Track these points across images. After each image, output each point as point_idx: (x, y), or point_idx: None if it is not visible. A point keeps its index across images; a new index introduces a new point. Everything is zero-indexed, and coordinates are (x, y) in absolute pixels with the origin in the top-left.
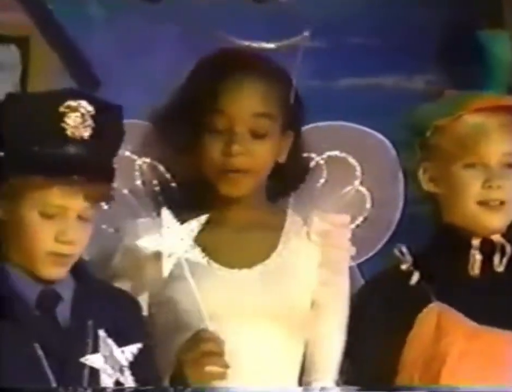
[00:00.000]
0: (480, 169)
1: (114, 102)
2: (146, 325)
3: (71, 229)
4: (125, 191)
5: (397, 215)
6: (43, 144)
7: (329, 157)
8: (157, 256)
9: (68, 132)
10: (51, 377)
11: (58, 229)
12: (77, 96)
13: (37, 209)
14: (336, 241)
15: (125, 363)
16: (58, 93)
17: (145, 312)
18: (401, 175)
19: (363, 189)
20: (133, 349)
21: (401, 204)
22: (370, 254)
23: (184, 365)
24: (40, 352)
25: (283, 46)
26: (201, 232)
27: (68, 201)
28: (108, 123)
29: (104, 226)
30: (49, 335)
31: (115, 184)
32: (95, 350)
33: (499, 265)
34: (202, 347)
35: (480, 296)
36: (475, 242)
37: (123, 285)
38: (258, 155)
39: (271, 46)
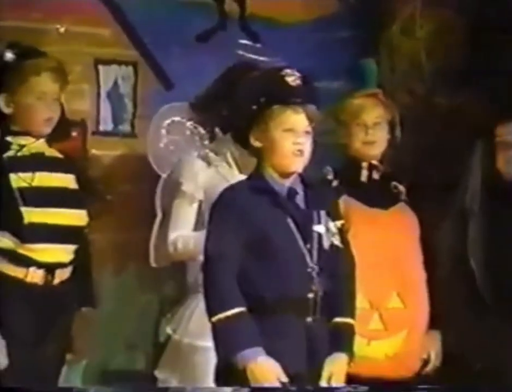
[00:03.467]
0: (362, 126)
1: (180, 95)
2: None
3: (303, 137)
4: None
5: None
6: (279, 90)
7: None
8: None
9: (291, 83)
10: (298, 237)
11: (293, 140)
12: (286, 67)
13: (280, 129)
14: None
15: (335, 231)
16: (275, 68)
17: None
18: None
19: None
20: (338, 223)
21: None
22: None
23: None
24: (291, 223)
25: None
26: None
27: (298, 120)
28: (309, 84)
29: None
30: (295, 213)
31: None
32: (319, 222)
33: (376, 175)
34: None
35: (367, 192)
36: (364, 164)
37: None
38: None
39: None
